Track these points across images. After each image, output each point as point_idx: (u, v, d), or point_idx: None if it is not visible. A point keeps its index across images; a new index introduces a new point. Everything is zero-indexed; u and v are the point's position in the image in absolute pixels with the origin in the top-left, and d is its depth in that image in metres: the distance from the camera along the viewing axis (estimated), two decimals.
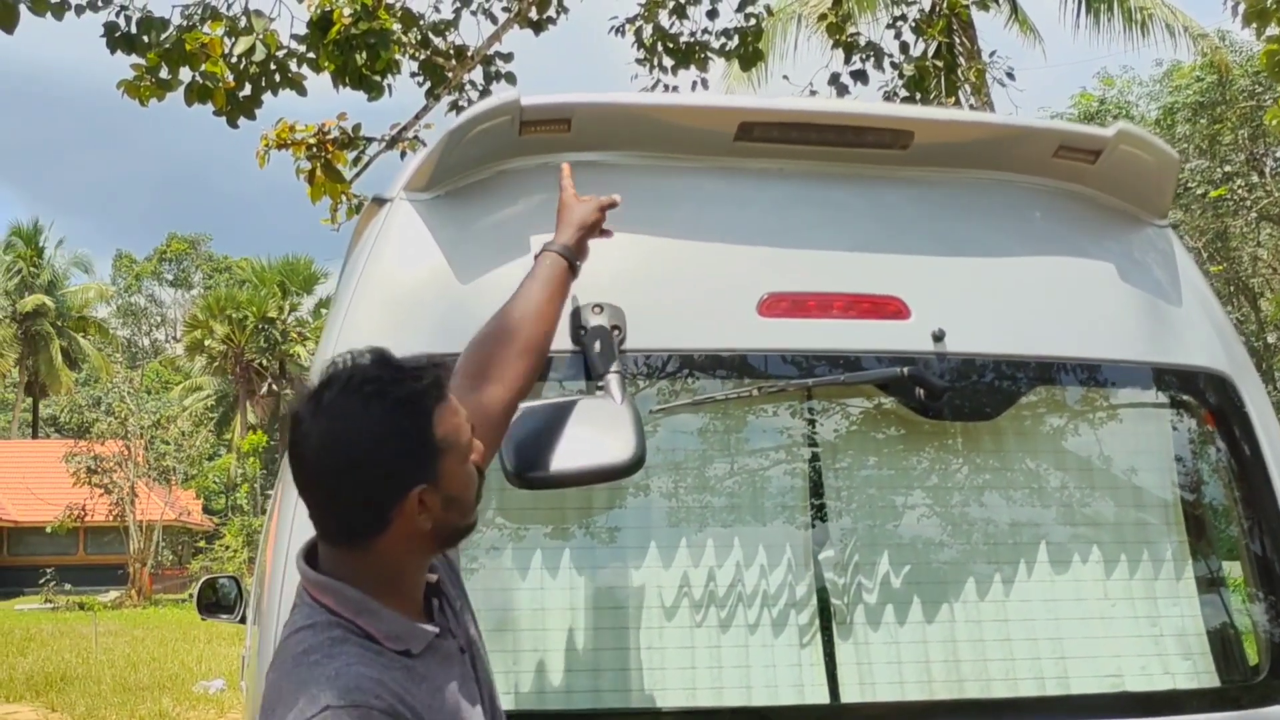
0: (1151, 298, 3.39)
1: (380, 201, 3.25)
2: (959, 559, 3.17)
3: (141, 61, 9.73)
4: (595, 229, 2.99)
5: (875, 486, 3.17)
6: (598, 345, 3.00)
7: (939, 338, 3.18)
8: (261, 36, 9.75)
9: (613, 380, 2.94)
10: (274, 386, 51.99)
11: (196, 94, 9.85)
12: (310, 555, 2.33)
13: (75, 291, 60.44)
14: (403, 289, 3.08)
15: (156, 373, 62.28)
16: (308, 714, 2.06)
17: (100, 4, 9.68)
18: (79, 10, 9.68)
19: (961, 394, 3.20)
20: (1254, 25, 14.30)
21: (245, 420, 53.18)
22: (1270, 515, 3.26)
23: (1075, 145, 3.36)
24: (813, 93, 11.67)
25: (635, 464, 2.83)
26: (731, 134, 3.22)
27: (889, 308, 3.19)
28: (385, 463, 2.19)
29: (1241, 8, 14.31)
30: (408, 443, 2.20)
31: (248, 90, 10.12)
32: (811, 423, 3.18)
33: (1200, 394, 3.36)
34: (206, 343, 53.51)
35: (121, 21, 9.72)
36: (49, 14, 9.34)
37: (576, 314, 3.04)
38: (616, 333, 3.03)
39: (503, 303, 2.86)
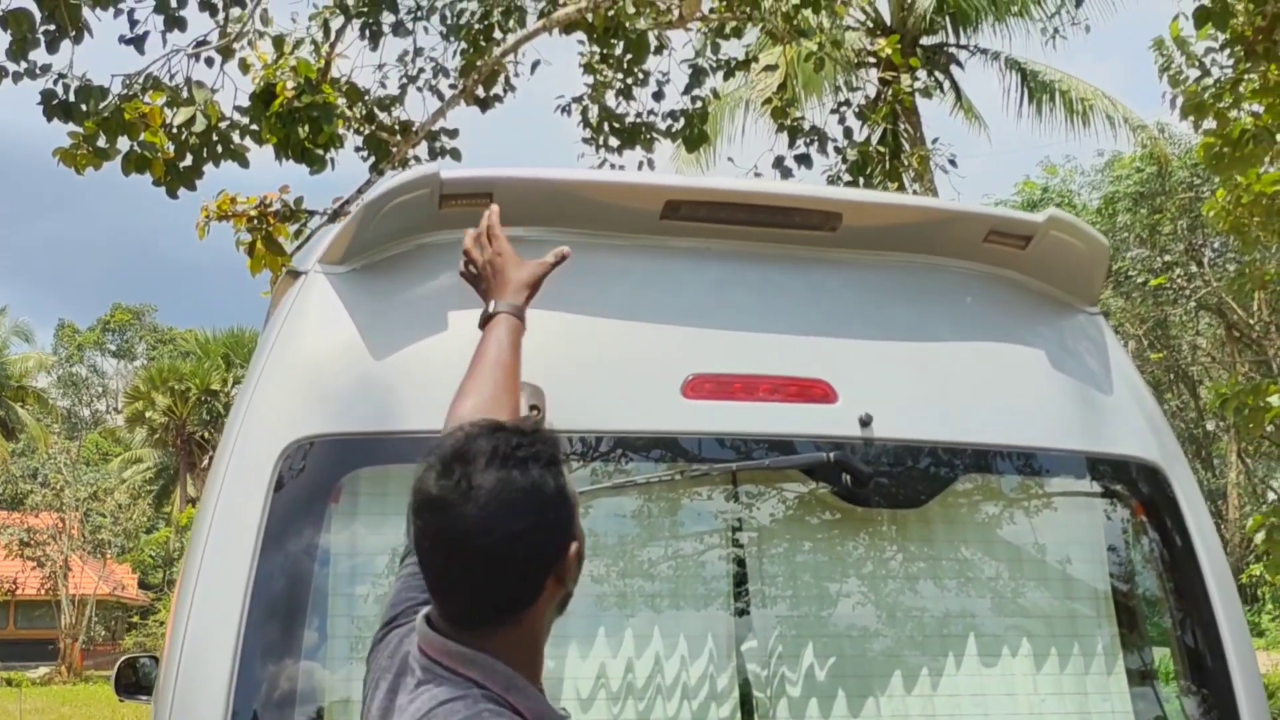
0: (1082, 385, 3.34)
1: (295, 274, 3.15)
2: (887, 650, 3.09)
3: (79, 130, 9.62)
4: (538, 288, 2.90)
5: (801, 574, 3.09)
6: None
7: (866, 423, 3.12)
8: (203, 107, 9.66)
9: None
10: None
11: (134, 164, 9.74)
12: (429, 623, 2.24)
13: (15, 361, 59.65)
14: (314, 364, 2.98)
15: (96, 444, 61.41)
16: None
17: (38, 71, 9.57)
18: (15, 77, 9.57)
19: (890, 480, 3.13)
20: (1192, 118, 14.56)
21: (185, 493, 52.46)
22: (1201, 606, 3.21)
23: (1005, 230, 3.32)
24: (757, 174, 11.71)
25: None
26: (658, 212, 3.16)
27: (816, 391, 3.13)
28: (549, 527, 2.15)
29: (1180, 100, 14.57)
30: (561, 502, 2.17)
31: (188, 161, 10.02)
32: (737, 508, 3.10)
33: (1132, 484, 3.31)
34: (148, 414, 52.91)
35: (59, 90, 9.62)
36: None
37: None
38: (535, 412, 2.94)
39: (412, 380, 2.78)
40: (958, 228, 3.32)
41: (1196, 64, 15.81)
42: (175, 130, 9.77)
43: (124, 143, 9.69)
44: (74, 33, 9.46)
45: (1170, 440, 3.41)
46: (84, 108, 9.66)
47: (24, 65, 9.51)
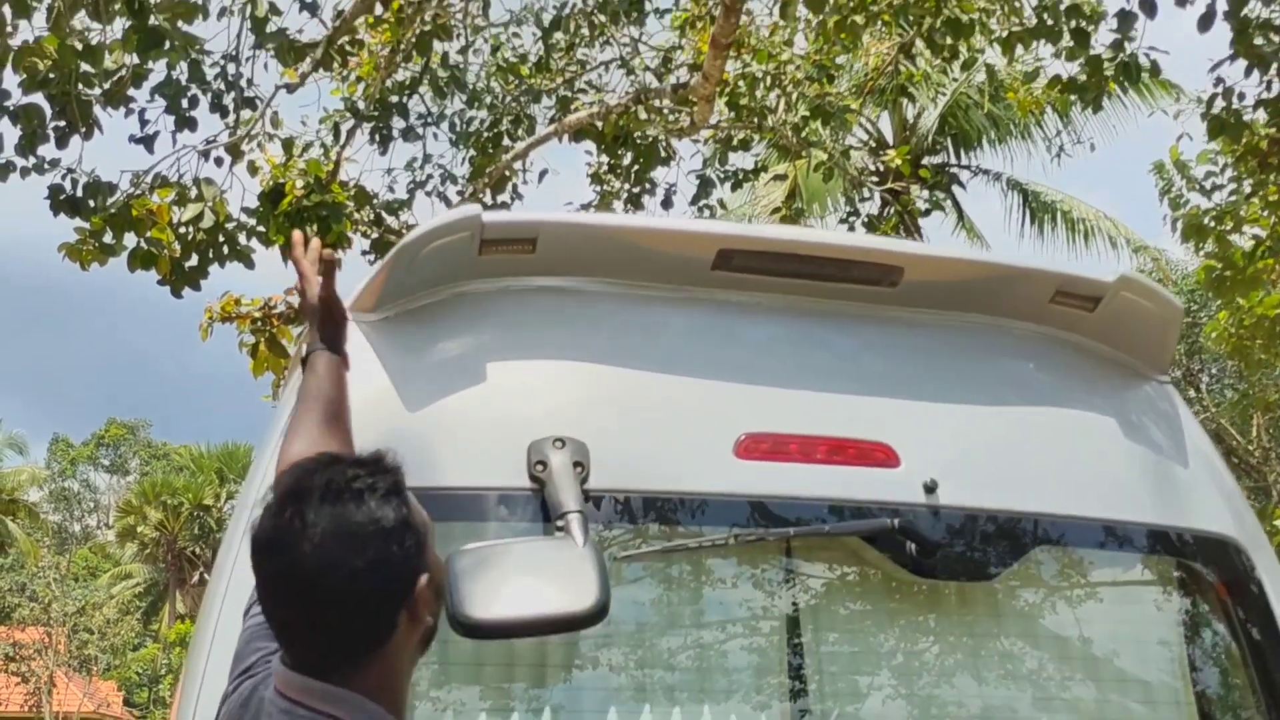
0: (1156, 456, 3.14)
1: None
2: None
3: (86, 225, 9.50)
4: (333, 309, 2.66)
5: (860, 653, 2.85)
6: (558, 482, 2.69)
7: (931, 489, 2.91)
8: (211, 204, 9.55)
9: (574, 520, 2.63)
10: (205, 575, 50.71)
11: (140, 260, 9.63)
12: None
13: (8, 474, 59.10)
14: None
15: (85, 559, 60.70)
16: None
17: (46, 166, 9.47)
18: (24, 173, 9.45)
19: (958, 551, 2.91)
20: (1191, 241, 14.52)
21: (174, 609, 51.70)
22: None
23: (1073, 291, 3.14)
24: None
25: (598, 613, 2.50)
26: (709, 261, 2.98)
27: (878, 454, 2.92)
28: (395, 561, 2.02)
29: (1180, 224, 14.53)
30: (406, 533, 2.04)
31: (194, 260, 9.89)
32: (791, 578, 2.87)
33: (1212, 561, 3.08)
34: (139, 529, 52.33)
35: (67, 185, 9.52)
36: None
37: (534, 448, 2.74)
38: (579, 470, 2.73)
39: (445, 433, 2.60)
40: (1023, 286, 3.14)
41: (1197, 187, 15.85)
42: (182, 227, 9.65)
43: (130, 239, 9.57)
44: (84, 129, 9.37)
45: (1250, 518, 3.19)
46: (91, 203, 9.56)
47: (32, 160, 9.40)
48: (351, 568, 1.98)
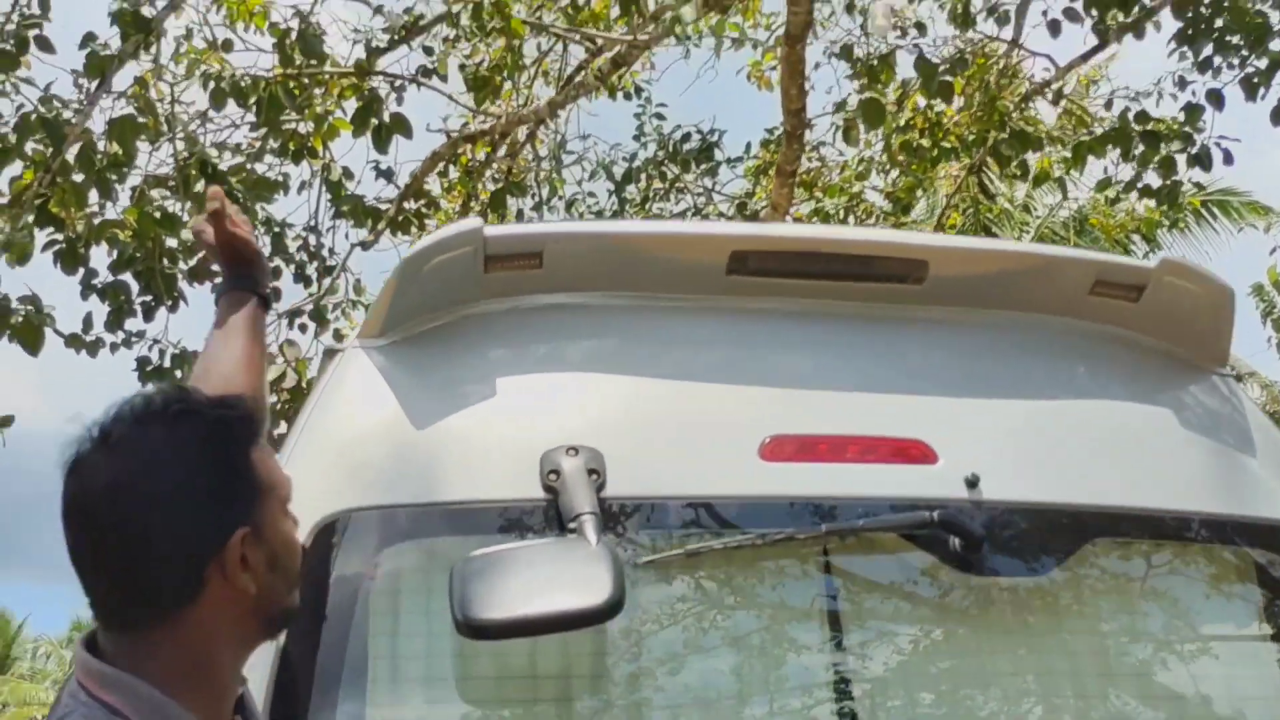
0: (1217, 446, 2.94)
1: (331, 353, 2.92)
2: None
3: None
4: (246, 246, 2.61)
5: (905, 654, 2.66)
6: (571, 489, 2.57)
7: (973, 483, 2.73)
8: (293, 364, 9.70)
9: (586, 521, 2.50)
10: None
11: None
12: (91, 644, 1.86)
13: None
14: (350, 438, 2.70)
15: None
16: None
17: (134, 340, 9.69)
18: (113, 347, 9.67)
19: (1006, 546, 2.72)
20: None
21: None
22: None
23: (1114, 280, 2.98)
24: None
25: (612, 608, 2.36)
26: (723, 266, 2.88)
27: (913, 451, 2.76)
28: (201, 497, 1.80)
29: None
30: (226, 474, 1.83)
31: (282, 427, 9.97)
32: (827, 578, 2.70)
33: None
34: None
35: (154, 355, 9.73)
36: (83, 351, 9.37)
37: (547, 458, 2.63)
38: (594, 477, 2.61)
39: (456, 450, 2.51)
40: (1059, 277, 2.99)
41: None
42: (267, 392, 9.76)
43: None
44: (169, 302, 9.61)
45: None
46: (178, 373, 9.75)
47: (120, 335, 9.62)
48: (146, 493, 1.79)
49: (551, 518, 2.58)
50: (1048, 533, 2.77)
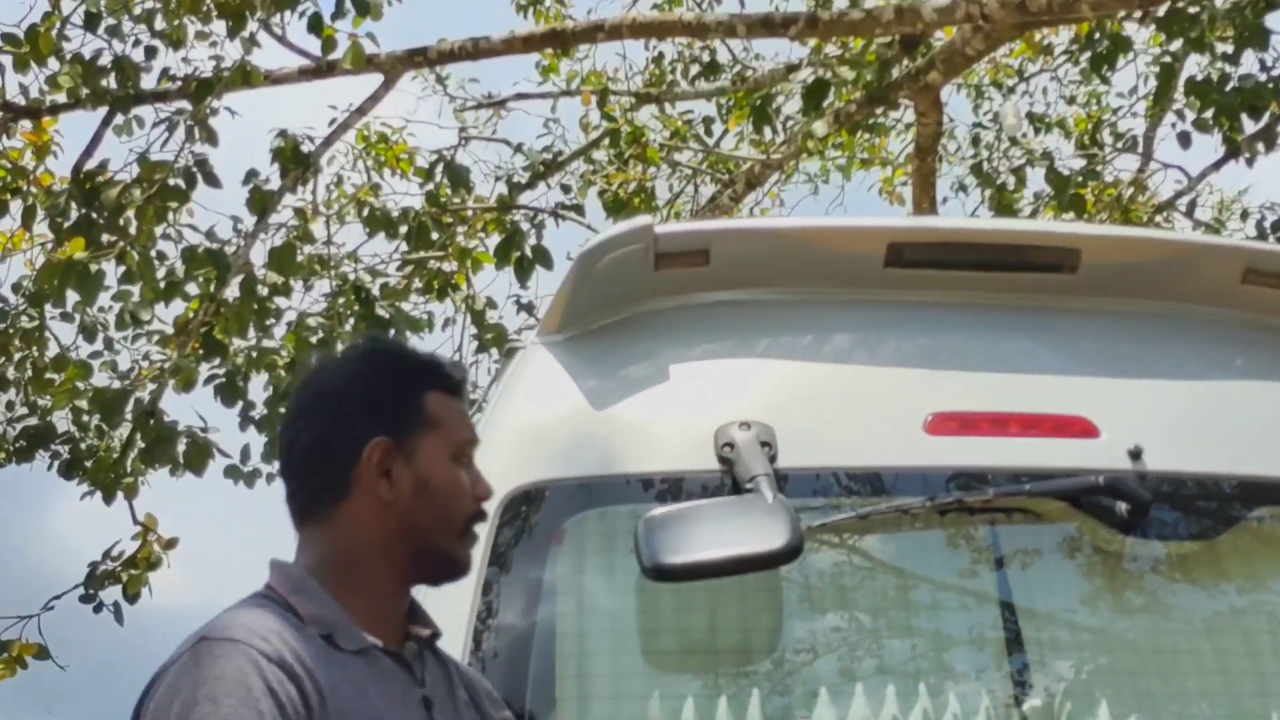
0: None
1: (512, 351, 3.11)
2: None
3: None
4: None
5: (1075, 620, 2.71)
6: (745, 457, 2.69)
7: (1137, 455, 2.79)
8: None
9: (763, 481, 2.61)
10: None
11: None
12: None
13: None
14: (533, 421, 2.87)
15: None
16: (182, 648, 1.88)
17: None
18: (269, 479, 9.93)
19: (1171, 513, 2.77)
20: None
21: None
22: None
23: (1267, 269, 3.04)
24: None
25: (792, 551, 2.47)
26: (881, 258, 3.02)
27: (1075, 426, 2.84)
28: (354, 408, 2.08)
29: None
30: (383, 395, 2.10)
31: None
32: (994, 545, 2.76)
33: None
34: None
35: None
36: (240, 481, 9.69)
37: (721, 432, 2.76)
38: (766, 449, 2.73)
39: (633, 430, 2.71)
40: (1210, 266, 3.06)
41: None
42: None
43: None
44: None
45: None
46: None
47: (276, 465, 9.91)
48: (305, 402, 2.15)
49: (726, 486, 2.70)
50: (1215, 501, 2.81)
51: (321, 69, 8.14)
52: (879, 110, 9.14)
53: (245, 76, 7.86)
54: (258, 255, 8.84)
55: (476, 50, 8.02)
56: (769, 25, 7.27)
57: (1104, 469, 2.77)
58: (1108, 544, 2.76)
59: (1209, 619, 2.75)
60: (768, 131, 9.22)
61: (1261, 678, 2.68)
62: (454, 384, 2.21)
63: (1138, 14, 8.09)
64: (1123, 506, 2.72)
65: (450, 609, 2.56)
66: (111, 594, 8.83)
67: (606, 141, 9.59)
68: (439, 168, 9.27)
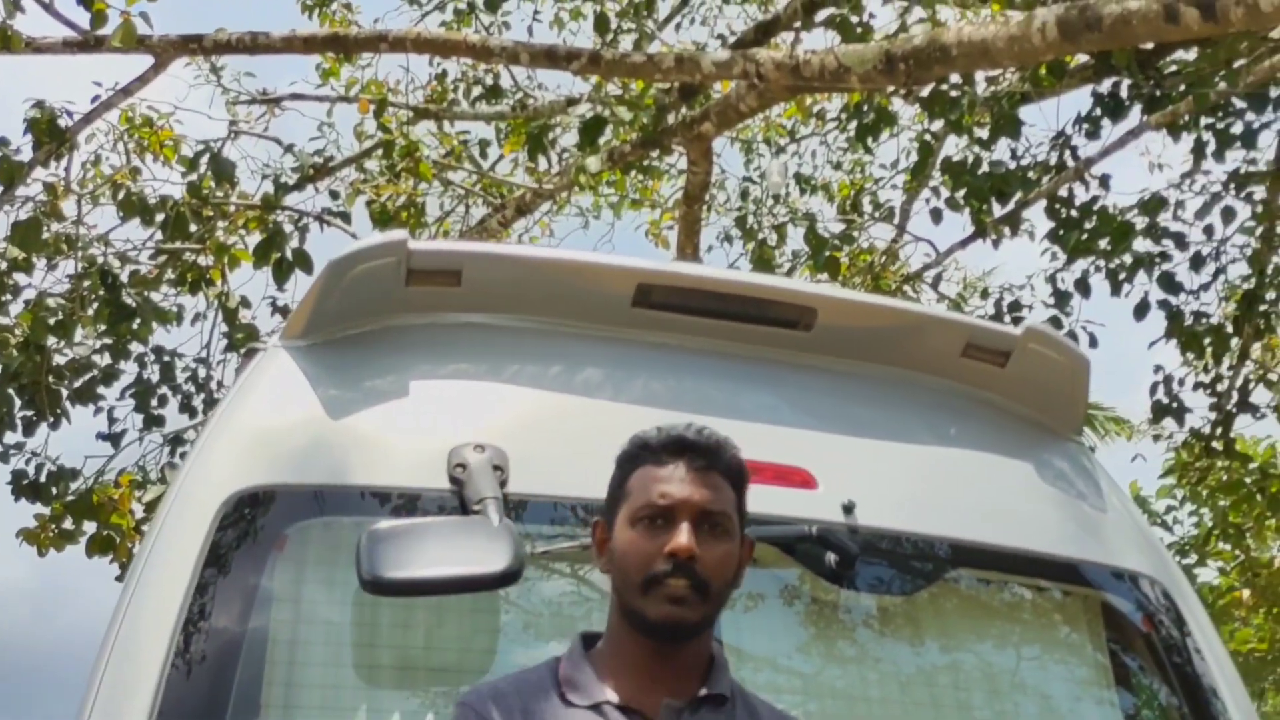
0: (1075, 501, 3.18)
1: (252, 353, 3.07)
2: None
3: (46, 511, 9.54)
4: None
5: (781, 660, 2.82)
6: (476, 479, 2.73)
7: (850, 509, 2.93)
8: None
9: (490, 504, 2.66)
10: None
11: (99, 546, 9.59)
12: None
13: None
14: (264, 424, 2.84)
15: None
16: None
17: (12, 452, 9.58)
18: None
19: (876, 565, 2.91)
20: None
21: None
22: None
23: (984, 345, 3.24)
24: None
25: (511, 575, 2.52)
26: (629, 297, 3.09)
27: (795, 477, 2.96)
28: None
29: None
30: (613, 480, 2.44)
31: None
32: None
33: (1131, 595, 3.08)
34: None
35: (31, 470, 9.61)
36: None
37: (455, 452, 2.78)
38: (498, 472, 2.77)
39: (367, 442, 2.71)
40: (935, 337, 3.24)
41: (1159, 521, 16.09)
42: (142, 512, 9.68)
43: (90, 525, 9.58)
44: (52, 419, 9.55)
45: (1169, 560, 3.21)
46: (54, 490, 9.63)
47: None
48: None
49: (455, 508, 2.72)
50: (917, 558, 2.97)
51: (89, 43, 7.85)
52: (653, 153, 9.33)
53: (5, 40, 7.53)
54: (2, 228, 8.49)
55: (255, 45, 7.87)
56: (552, 57, 7.34)
57: (818, 520, 2.89)
58: (817, 592, 2.89)
59: (906, 671, 2.89)
60: (542, 161, 9.30)
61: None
62: (658, 454, 2.40)
63: (903, 91, 8.45)
64: (832, 556, 2.85)
65: (158, 608, 2.53)
66: None
67: (380, 152, 9.52)
68: (204, 158, 9.03)
